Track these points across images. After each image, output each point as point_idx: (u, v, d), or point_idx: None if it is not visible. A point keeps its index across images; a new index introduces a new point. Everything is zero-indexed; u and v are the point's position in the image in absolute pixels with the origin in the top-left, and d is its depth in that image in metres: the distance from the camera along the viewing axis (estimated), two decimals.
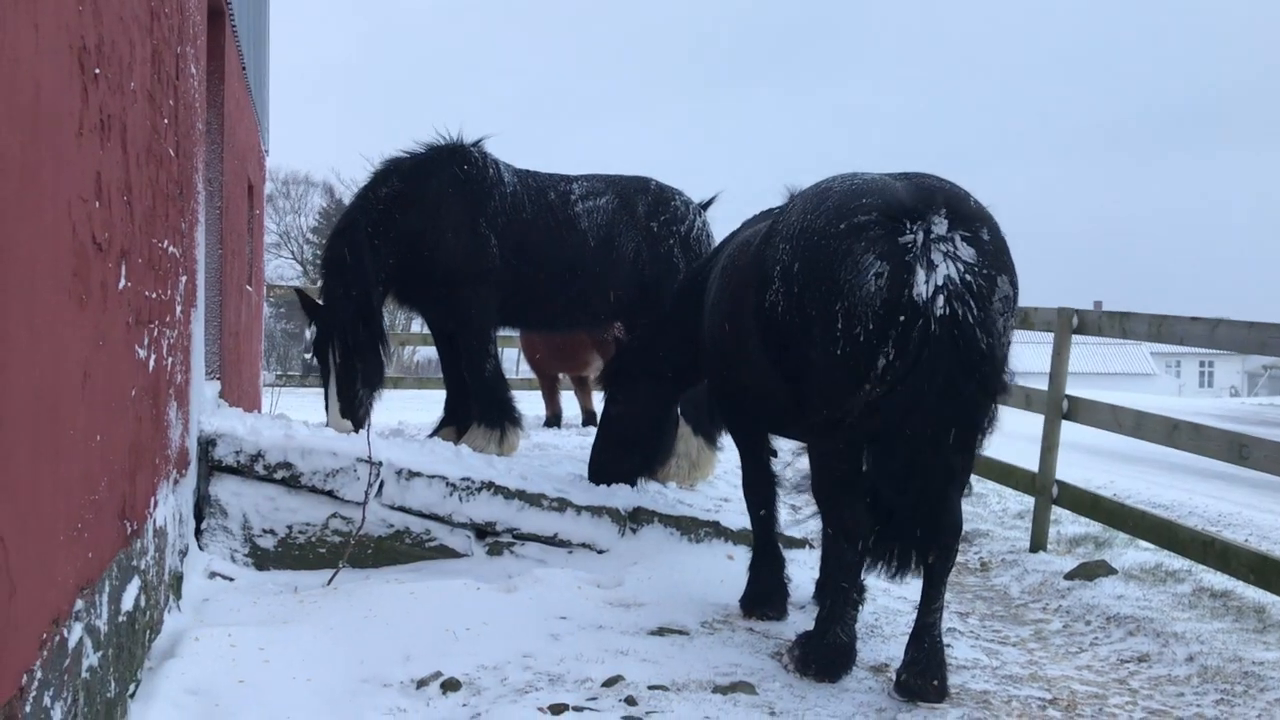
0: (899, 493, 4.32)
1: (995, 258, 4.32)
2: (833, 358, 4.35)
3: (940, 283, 4.15)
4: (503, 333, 8.90)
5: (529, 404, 9.37)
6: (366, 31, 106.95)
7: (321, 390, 7.81)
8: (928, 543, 4.42)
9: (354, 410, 7.61)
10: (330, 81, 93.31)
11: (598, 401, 10.21)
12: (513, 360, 20.01)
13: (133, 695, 3.91)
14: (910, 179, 4.56)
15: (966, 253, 4.23)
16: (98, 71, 3.12)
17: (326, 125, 77.64)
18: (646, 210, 8.41)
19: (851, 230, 4.32)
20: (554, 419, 11.70)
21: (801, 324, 4.48)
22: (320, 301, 7.81)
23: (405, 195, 7.84)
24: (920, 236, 4.23)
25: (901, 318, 4.18)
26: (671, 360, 6.36)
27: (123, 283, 3.53)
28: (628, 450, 6.82)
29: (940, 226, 4.25)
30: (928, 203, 4.33)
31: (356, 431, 7.25)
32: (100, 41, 3.15)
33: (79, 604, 3.01)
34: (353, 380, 7.59)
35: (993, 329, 4.24)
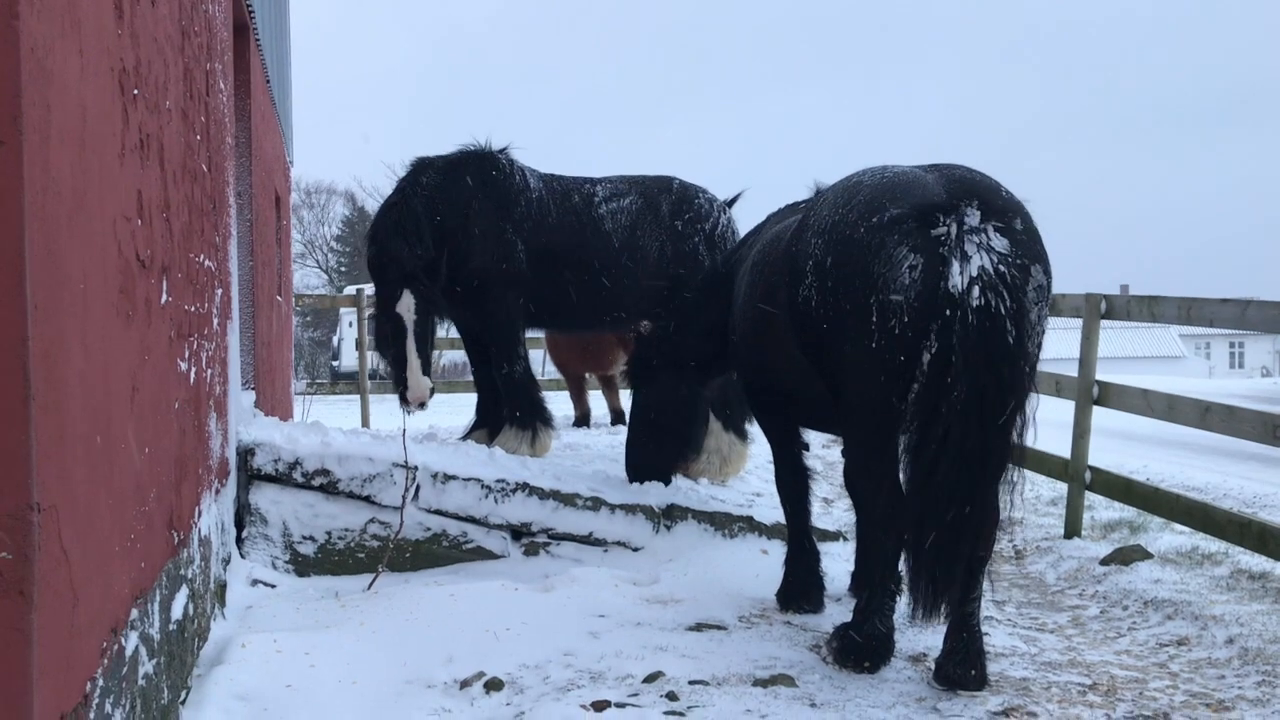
0: (935, 483, 4.34)
1: (1028, 248, 4.33)
2: (867, 351, 4.36)
3: (975, 274, 4.16)
4: (530, 334, 8.95)
5: (556, 404, 9.43)
6: (396, 44, 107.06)
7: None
8: (965, 533, 4.42)
9: (429, 369, 7.52)
10: (354, 91, 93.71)
11: (626, 400, 10.27)
12: (538, 361, 20.09)
13: (184, 702, 3.99)
14: (941, 171, 4.57)
15: (1000, 243, 4.24)
16: (136, 92, 3.19)
17: (347, 134, 78.02)
18: (670, 209, 8.45)
19: (885, 224, 4.34)
20: (583, 419, 11.75)
21: (835, 318, 4.50)
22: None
23: (442, 188, 7.91)
24: (953, 229, 4.24)
25: (936, 310, 4.21)
26: (694, 351, 6.38)
27: (164, 298, 3.61)
28: (662, 438, 6.81)
29: (973, 218, 4.26)
30: (960, 195, 4.35)
31: (430, 393, 7.34)
32: (138, 63, 3.22)
33: (134, 613, 3.09)
34: (428, 336, 7.50)
35: (1026, 319, 4.25)
